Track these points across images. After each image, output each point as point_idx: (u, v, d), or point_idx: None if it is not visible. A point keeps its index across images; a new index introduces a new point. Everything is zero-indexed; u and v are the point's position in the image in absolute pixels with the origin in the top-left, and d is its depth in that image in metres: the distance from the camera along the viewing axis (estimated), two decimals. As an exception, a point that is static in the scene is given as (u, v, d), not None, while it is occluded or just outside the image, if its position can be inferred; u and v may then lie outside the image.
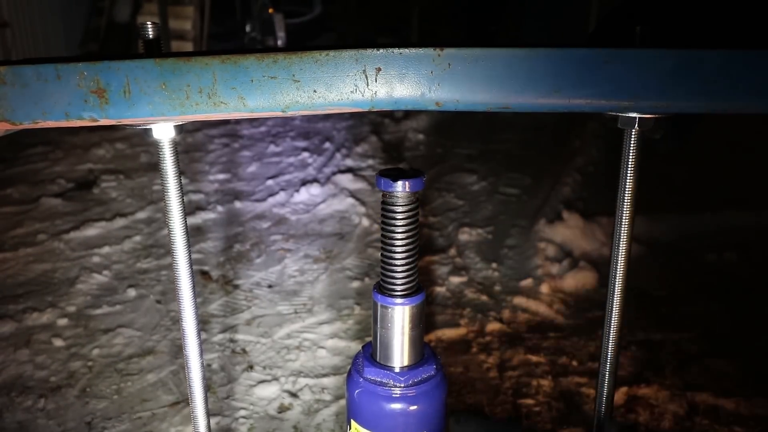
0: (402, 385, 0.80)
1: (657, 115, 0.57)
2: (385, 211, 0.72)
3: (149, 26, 0.57)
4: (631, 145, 0.60)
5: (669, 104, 0.53)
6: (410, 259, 0.74)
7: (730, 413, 2.20)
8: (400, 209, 0.70)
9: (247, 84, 0.53)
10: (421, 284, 0.78)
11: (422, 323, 0.77)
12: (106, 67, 0.52)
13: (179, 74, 0.52)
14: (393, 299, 0.75)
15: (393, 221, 0.71)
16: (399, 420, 0.80)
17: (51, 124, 0.53)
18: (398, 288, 0.74)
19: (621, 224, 0.64)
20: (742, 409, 2.21)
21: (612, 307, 0.67)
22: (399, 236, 0.72)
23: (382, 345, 0.77)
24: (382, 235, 0.74)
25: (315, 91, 0.54)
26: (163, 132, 0.59)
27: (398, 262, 0.73)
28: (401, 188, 0.69)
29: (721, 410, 2.21)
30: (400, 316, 0.74)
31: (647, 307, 2.82)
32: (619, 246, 0.65)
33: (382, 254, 0.75)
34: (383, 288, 0.76)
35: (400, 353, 0.79)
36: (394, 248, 0.73)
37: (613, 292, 0.66)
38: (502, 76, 0.52)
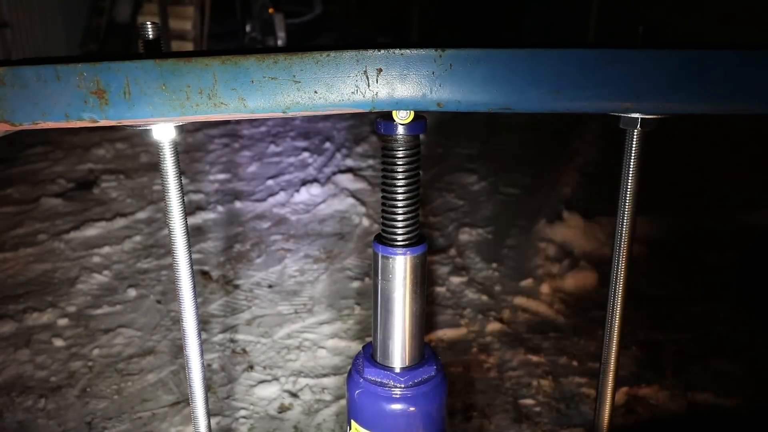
0: (402, 386, 0.79)
1: (659, 116, 0.57)
2: (385, 156, 0.70)
3: (149, 26, 0.56)
4: (633, 146, 0.60)
5: (671, 105, 0.53)
6: (412, 207, 0.72)
7: (731, 413, 2.20)
8: (401, 153, 0.69)
9: (247, 85, 0.53)
10: (423, 235, 0.76)
11: (424, 277, 0.75)
12: (105, 68, 0.51)
13: (179, 75, 0.52)
14: (394, 249, 0.73)
15: (394, 166, 0.70)
16: (399, 420, 0.79)
17: (51, 125, 0.53)
18: (400, 237, 0.73)
19: (622, 225, 0.64)
20: (742, 409, 2.21)
21: (613, 308, 0.67)
22: (400, 182, 0.70)
23: (383, 299, 0.75)
24: (383, 183, 0.72)
25: (316, 92, 0.53)
26: (164, 133, 0.59)
27: (399, 210, 0.71)
28: (402, 131, 0.67)
29: (721, 410, 2.21)
30: (402, 266, 0.73)
31: (647, 307, 2.82)
32: (620, 246, 0.65)
33: (383, 204, 0.73)
34: (384, 238, 0.74)
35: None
36: (395, 195, 0.71)
37: (615, 292, 0.66)
38: (503, 77, 0.52)
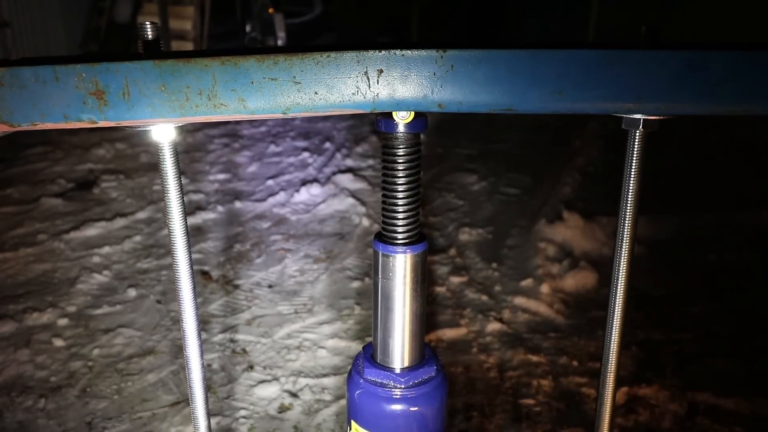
0: (402, 386, 0.79)
1: (662, 117, 0.57)
2: (386, 154, 0.70)
3: (148, 26, 0.56)
4: (635, 146, 0.60)
5: (675, 106, 0.53)
6: (412, 205, 0.72)
7: (731, 413, 2.20)
8: (401, 151, 0.69)
9: (247, 86, 0.53)
10: (423, 233, 0.76)
11: (425, 275, 0.75)
12: (104, 69, 0.51)
13: (179, 76, 0.52)
14: (395, 247, 0.73)
15: (394, 164, 0.70)
16: (399, 421, 0.79)
17: (50, 125, 0.52)
18: (400, 235, 0.73)
19: (624, 225, 0.64)
20: (742, 408, 2.21)
21: (614, 308, 0.67)
22: (401, 180, 0.70)
23: (384, 297, 0.75)
24: (383, 181, 0.72)
25: (316, 93, 0.53)
26: (163, 133, 0.59)
27: (400, 208, 0.71)
28: (403, 129, 0.67)
29: (722, 410, 2.21)
30: (402, 265, 0.73)
31: (647, 307, 2.82)
32: (622, 247, 0.65)
33: (383, 201, 0.73)
34: (384, 236, 0.75)
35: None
36: (395, 193, 0.71)
37: (616, 293, 0.66)
38: (505, 78, 0.52)
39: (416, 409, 0.79)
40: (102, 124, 0.53)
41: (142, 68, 0.51)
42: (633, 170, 0.61)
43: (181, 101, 0.53)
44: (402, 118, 0.65)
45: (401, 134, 0.68)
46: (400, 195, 0.70)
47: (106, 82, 0.51)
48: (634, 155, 0.60)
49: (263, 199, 4.10)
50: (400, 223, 0.72)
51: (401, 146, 0.68)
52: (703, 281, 3.05)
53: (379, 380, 0.80)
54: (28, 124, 0.52)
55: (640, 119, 0.58)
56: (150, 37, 0.56)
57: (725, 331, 2.66)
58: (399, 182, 0.70)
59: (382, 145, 0.70)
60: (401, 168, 0.69)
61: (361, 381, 0.81)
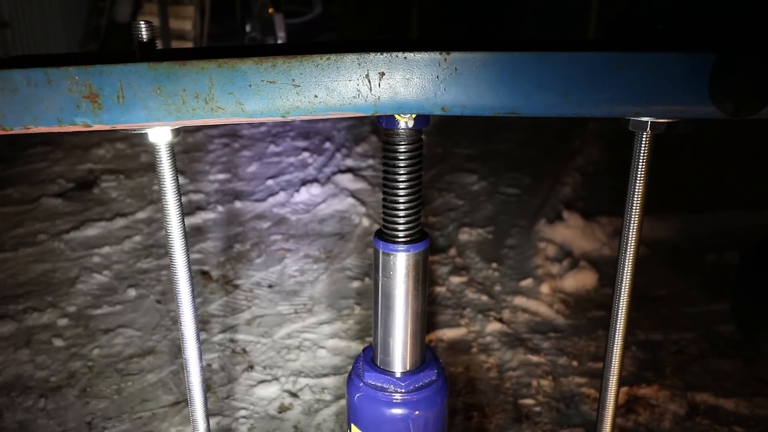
0: (403, 391, 0.79)
1: (670, 120, 0.56)
2: (387, 151, 0.69)
3: (143, 27, 0.55)
4: (642, 148, 0.59)
5: (683, 109, 0.52)
6: (413, 203, 0.71)
7: (730, 413, 2.19)
8: (403, 148, 0.68)
9: (245, 89, 0.52)
10: (424, 231, 0.75)
11: (426, 274, 0.74)
12: (98, 72, 0.50)
13: (174, 79, 0.51)
14: (396, 245, 0.72)
15: (396, 161, 0.69)
16: (400, 425, 0.79)
17: (43, 129, 0.51)
18: (401, 233, 0.72)
19: (629, 227, 0.63)
20: (742, 409, 2.20)
21: (618, 310, 0.66)
22: (402, 177, 0.69)
23: (384, 296, 0.74)
24: (384, 178, 0.71)
25: (316, 96, 0.52)
26: (160, 136, 0.58)
27: (401, 206, 0.70)
28: (404, 126, 0.67)
29: (721, 410, 2.20)
30: (403, 263, 0.72)
31: (647, 307, 2.81)
32: (626, 249, 0.64)
33: (384, 199, 0.72)
34: (385, 234, 0.74)
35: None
36: (397, 190, 0.70)
37: (620, 295, 0.65)
38: (510, 81, 0.50)
39: (417, 413, 0.78)
40: (96, 127, 0.52)
41: (136, 71, 0.50)
42: (639, 172, 0.60)
43: (178, 104, 0.51)
44: (404, 116, 0.64)
45: (403, 131, 0.67)
46: (402, 192, 0.69)
47: (99, 85, 0.50)
48: (641, 157, 0.59)
49: (263, 199, 4.09)
50: (402, 220, 0.71)
51: (403, 143, 0.67)
52: (703, 281, 3.04)
53: (380, 384, 0.79)
54: (21, 127, 0.51)
55: (647, 122, 0.57)
56: (145, 38, 0.54)
57: (725, 331, 2.65)
58: (400, 179, 0.69)
59: (383, 141, 0.69)
60: (403, 165, 0.68)
61: (361, 384, 0.80)
